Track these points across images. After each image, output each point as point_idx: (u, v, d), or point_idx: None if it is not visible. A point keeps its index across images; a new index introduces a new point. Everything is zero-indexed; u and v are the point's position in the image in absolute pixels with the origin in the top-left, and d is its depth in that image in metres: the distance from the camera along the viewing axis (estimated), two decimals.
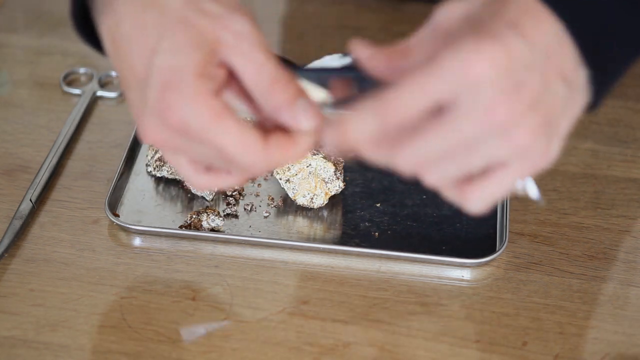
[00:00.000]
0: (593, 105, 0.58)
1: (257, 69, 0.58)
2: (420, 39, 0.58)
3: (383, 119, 0.54)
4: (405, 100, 0.54)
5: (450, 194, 0.58)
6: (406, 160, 0.56)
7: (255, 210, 0.83)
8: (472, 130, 0.53)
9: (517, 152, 0.55)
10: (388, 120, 0.54)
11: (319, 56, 1.05)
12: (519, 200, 0.84)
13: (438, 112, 0.54)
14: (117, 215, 0.82)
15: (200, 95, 0.56)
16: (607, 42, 0.57)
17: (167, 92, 0.57)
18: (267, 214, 0.83)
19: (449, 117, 0.54)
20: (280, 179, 0.83)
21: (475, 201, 0.57)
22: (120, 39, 0.60)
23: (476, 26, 0.54)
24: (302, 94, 0.59)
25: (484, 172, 0.56)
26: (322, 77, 0.63)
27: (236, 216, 0.83)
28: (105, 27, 0.61)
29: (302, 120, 0.58)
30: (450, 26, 0.56)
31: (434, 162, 0.56)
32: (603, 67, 0.57)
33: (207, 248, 0.80)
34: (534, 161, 0.56)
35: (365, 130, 0.55)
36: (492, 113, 0.53)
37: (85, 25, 0.65)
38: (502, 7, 0.55)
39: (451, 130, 0.54)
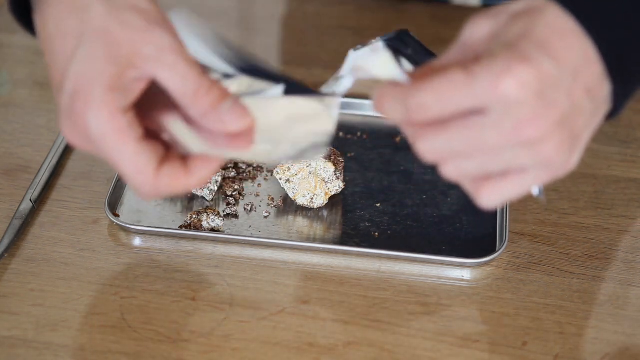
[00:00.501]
0: (613, 114, 0.60)
1: (181, 79, 0.58)
2: (450, 58, 0.59)
3: (408, 112, 0.55)
4: (432, 101, 0.55)
5: (466, 186, 0.59)
6: (427, 149, 0.57)
7: (255, 210, 0.83)
8: (497, 141, 0.55)
9: (540, 162, 0.56)
10: (412, 115, 0.55)
11: (319, 56, 1.05)
12: (519, 200, 0.84)
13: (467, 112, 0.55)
14: (117, 215, 0.82)
15: (105, 110, 0.57)
16: (632, 55, 0.58)
17: (75, 100, 0.57)
18: (267, 214, 0.83)
19: (476, 123, 0.55)
20: (280, 179, 0.83)
21: (489, 198, 0.58)
22: (45, 40, 0.60)
23: (507, 44, 0.55)
24: (226, 97, 0.59)
25: (503, 173, 0.57)
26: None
27: (236, 216, 0.83)
28: (37, 24, 0.61)
29: (228, 122, 0.58)
30: (478, 43, 0.57)
31: (454, 158, 0.57)
32: (627, 80, 0.58)
33: (207, 248, 0.80)
34: (555, 171, 0.57)
35: (392, 112, 0.57)
36: (519, 130, 0.54)
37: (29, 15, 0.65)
38: (532, 25, 0.55)
39: (476, 136, 0.55)
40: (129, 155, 0.58)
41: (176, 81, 0.58)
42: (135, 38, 0.57)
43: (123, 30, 0.58)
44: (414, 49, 0.67)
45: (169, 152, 0.61)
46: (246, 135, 0.59)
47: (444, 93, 0.54)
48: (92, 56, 0.57)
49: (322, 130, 0.62)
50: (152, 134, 0.61)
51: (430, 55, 0.67)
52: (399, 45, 0.66)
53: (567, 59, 0.55)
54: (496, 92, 0.53)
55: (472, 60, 0.55)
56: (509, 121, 0.54)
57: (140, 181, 0.59)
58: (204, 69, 0.60)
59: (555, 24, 0.55)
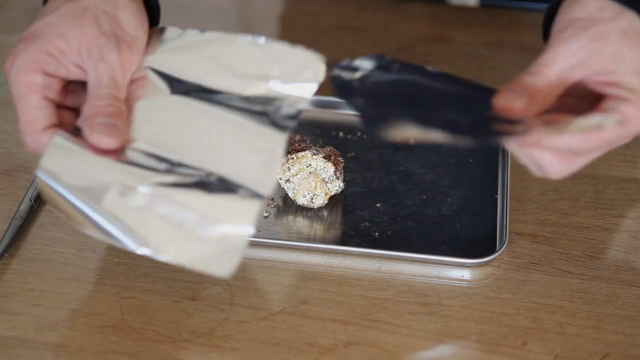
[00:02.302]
0: None
1: (96, 78, 0.68)
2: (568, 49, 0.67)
3: (556, 150, 0.66)
4: (580, 145, 0.66)
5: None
6: (564, 172, 0.69)
7: None
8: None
9: None
10: (560, 153, 0.67)
11: None
12: (519, 201, 0.84)
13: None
14: None
15: (31, 63, 0.68)
16: None
17: (24, 40, 0.69)
18: (267, 214, 0.83)
19: (611, 144, 0.68)
20: (280, 179, 0.83)
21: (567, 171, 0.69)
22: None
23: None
24: (109, 113, 0.67)
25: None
26: None
27: None
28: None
29: (93, 136, 0.66)
30: (587, 20, 0.67)
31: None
32: None
33: None
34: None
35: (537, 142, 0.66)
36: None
37: None
38: None
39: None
40: (29, 105, 0.68)
41: (91, 77, 0.68)
42: (92, 33, 0.69)
43: (91, 23, 0.69)
44: (400, 67, 0.69)
45: (67, 125, 0.69)
46: (109, 153, 0.67)
47: (596, 141, 0.66)
48: (58, 23, 0.69)
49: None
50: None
51: (415, 67, 0.69)
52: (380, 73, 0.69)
53: None
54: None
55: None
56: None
57: (27, 131, 0.68)
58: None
59: None
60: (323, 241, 0.81)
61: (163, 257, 0.65)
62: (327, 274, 0.78)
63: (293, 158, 0.82)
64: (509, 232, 0.80)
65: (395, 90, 0.68)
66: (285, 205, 0.84)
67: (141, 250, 0.65)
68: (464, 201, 0.84)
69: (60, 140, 0.67)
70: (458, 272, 0.78)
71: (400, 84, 0.69)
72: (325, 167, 0.82)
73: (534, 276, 0.78)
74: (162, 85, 0.71)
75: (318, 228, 0.82)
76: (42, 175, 0.66)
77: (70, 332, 0.73)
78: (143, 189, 0.66)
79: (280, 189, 0.84)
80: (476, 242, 0.81)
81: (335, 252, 0.80)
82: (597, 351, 0.72)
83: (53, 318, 0.74)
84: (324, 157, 0.82)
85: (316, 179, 0.82)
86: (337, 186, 0.83)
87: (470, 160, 0.89)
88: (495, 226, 0.82)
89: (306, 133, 0.92)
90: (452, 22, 1.10)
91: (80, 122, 0.68)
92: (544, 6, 0.96)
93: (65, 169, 0.66)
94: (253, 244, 0.80)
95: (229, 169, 0.67)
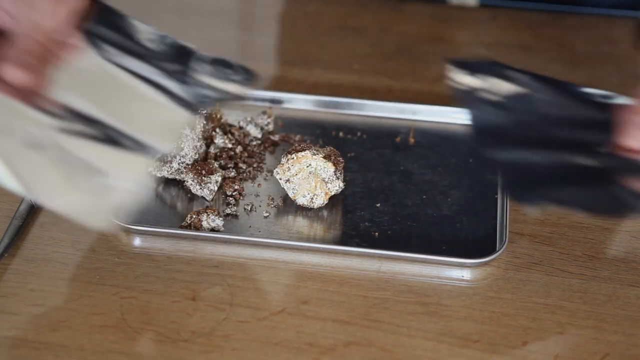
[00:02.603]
0: None
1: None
2: None
3: None
4: None
5: None
6: None
7: (255, 210, 0.83)
8: None
9: None
10: None
11: (318, 56, 1.05)
12: None
13: None
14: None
15: None
16: None
17: None
18: (267, 214, 0.83)
19: None
20: (280, 179, 0.83)
21: None
22: None
23: None
24: (36, 55, 0.67)
25: None
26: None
27: (236, 216, 0.83)
28: None
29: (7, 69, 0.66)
30: None
31: None
32: None
33: (207, 248, 0.80)
34: None
35: None
36: None
37: None
38: None
39: None
40: None
41: (17, 21, 0.67)
42: None
43: None
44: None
45: None
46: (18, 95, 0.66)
47: None
48: None
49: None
50: None
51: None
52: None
53: None
54: None
55: None
56: None
57: None
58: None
59: None
60: (323, 241, 0.81)
61: (49, 204, 0.68)
62: (327, 274, 0.78)
63: (293, 158, 0.82)
64: (509, 232, 0.80)
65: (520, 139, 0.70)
66: (285, 205, 0.84)
67: (29, 195, 0.68)
68: (464, 201, 0.84)
69: None
70: (458, 272, 0.78)
71: (523, 125, 0.70)
72: (325, 167, 0.82)
73: (534, 276, 0.78)
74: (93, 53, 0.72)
75: (318, 228, 0.82)
76: None
77: (70, 332, 0.73)
78: (40, 134, 0.67)
79: (280, 189, 0.84)
80: (476, 242, 0.81)
81: (335, 252, 0.80)
82: (597, 351, 0.72)
83: (53, 318, 0.74)
84: (324, 157, 0.82)
85: (316, 179, 0.82)
86: (337, 186, 0.83)
87: (470, 160, 0.89)
88: (495, 226, 0.82)
89: (306, 133, 0.92)
90: (452, 22, 1.10)
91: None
92: (543, 6, 0.96)
93: None
94: (253, 244, 0.80)
95: (132, 128, 0.70)
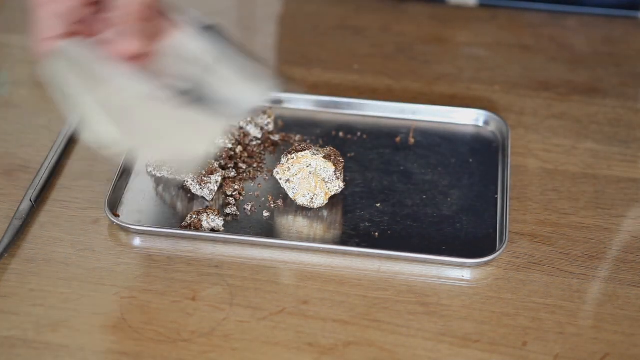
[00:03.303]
0: None
1: None
2: None
3: None
4: None
5: None
6: None
7: (255, 210, 0.83)
8: None
9: None
10: None
11: (318, 56, 1.05)
12: (519, 201, 0.84)
13: None
14: (117, 215, 0.82)
15: None
16: None
17: None
18: (267, 214, 0.83)
19: None
20: (280, 179, 0.83)
21: None
22: None
23: None
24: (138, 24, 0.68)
25: None
26: None
27: (236, 216, 0.83)
28: None
29: (117, 41, 0.68)
30: None
31: None
32: None
33: (207, 248, 0.80)
34: None
35: None
36: None
37: None
38: None
39: None
40: (47, 11, 0.68)
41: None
42: None
43: None
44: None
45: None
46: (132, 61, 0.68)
47: None
48: None
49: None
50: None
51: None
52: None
53: None
54: None
55: None
56: None
57: (37, 37, 0.68)
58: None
59: None
60: (323, 241, 0.81)
61: (137, 153, 0.74)
62: (327, 274, 0.78)
63: (293, 158, 0.82)
64: (509, 232, 0.80)
65: None
66: (285, 205, 0.84)
67: (115, 141, 0.70)
68: (464, 201, 0.84)
69: (70, 46, 0.69)
70: (458, 272, 0.78)
71: None
72: (325, 167, 0.82)
73: (534, 276, 0.78)
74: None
75: (318, 228, 0.82)
76: (49, 66, 0.69)
77: (70, 332, 0.73)
78: (135, 92, 0.69)
79: (280, 189, 0.84)
80: (476, 242, 0.81)
81: (335, 252, 0.80)
82: (597, 351, 0.72)
83: (53, 318, 0.74)
84: (324, 157, 0.82)
85: (316, 179, 0.82)
86: (337, 186, 0.83)
87: (470, 160, 0.89)
88: (495, 226, 0.82)
89: (306, 133, 0.92)
90: (452, 22, 1.10)
91: (102, 29, 0.69)
92: (544, 6, 0.96)
93: (71, 66, 0.69)
94: (253, 244, 0.80)
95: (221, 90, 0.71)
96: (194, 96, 0.70)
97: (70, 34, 0.70)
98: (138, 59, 0.68)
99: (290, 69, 1.02)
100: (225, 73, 0.71)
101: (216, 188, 0.84)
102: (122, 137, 0.70)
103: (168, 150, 0.73)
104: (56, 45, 0.69)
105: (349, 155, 0.89)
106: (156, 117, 0.70)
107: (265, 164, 0.88)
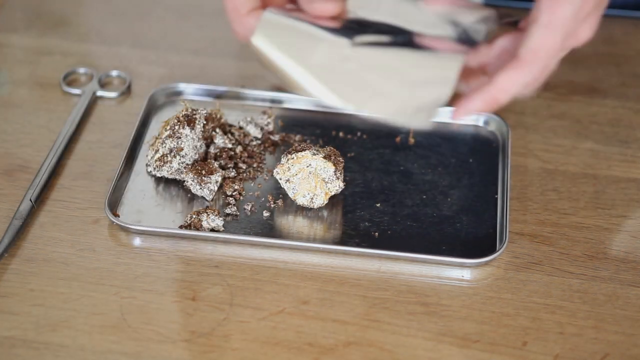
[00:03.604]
0: None
1: None
2: None
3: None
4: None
5: None
6: None
7: (255, 210, 0.83)
8: None
9: None
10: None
11: None
12: (519, 201, 0.84)
13: None
14: (117, 215, 0.82)
15: None
16: None
17: None
18: (267, 214, 0.83)
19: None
20: (280, 179, 0.83)
21: None
22: None
23: None
24: None
25: None
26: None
27: (236, 216, 0.83)
28: None
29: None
30: None
31: None
32: None
33: (207, 248, 0.80)
34: None
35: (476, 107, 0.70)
36: None
37: None
38: None
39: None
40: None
41: None
42: None
43: None
44: None
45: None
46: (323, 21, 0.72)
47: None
48: None
49: (439, 91, 0.71)
50: None
51: None
52: None
53: None
54: None
55: None
56: None
57: (233, 17, 0.73)
58: None
59: None
60: (323, 241, 0.81)
61: (365, 111, 0.73)
62: (327, 274, 0.78)
63: (293, 158, 0.82)
64: (509, 232, 0.80)
65: None
66: (285, 205, 0.84)
67: (347, 106, 0.72)
68: (464, 201, 0.84)
69: (270, 16, 0.72)
70: (458, 272, 0.78)
71: None
72: (325, 167, 0.82)
73: (534, 276, 0.78)
74: None
75: (318, 228, 0.82)
76: (256, 43, 0.72)
77: (70, 332, 0.73)
78: (348, 49, 0.71)
79: (280, 189, 0.84)
80: (476, 242, 0.81)
81: (335, 252, 0.80)
82: (597, 351, 0.72)
83: (53, 318, 0.74)
84: (324, 157, 0.82)
85: (316, 179, 0.82)
86: (337, 186, 0.83)
87: (470, 160, 0.89)
88: (495, 226, 0.82)
89: (306, 133, 0.92)
90: None
91: None
92: None
93: (277, 36, 0.72)
94: (253, 244, 0.80)
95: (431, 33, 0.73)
96: (412, 41, 0.72)
97: (264, 5, 0.74)
98: (336, 18, 0.71)
99: None
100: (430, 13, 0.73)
101: (216, 188, 0.84)
102: (350, 96, 0.71)
103: (401, 101, 0.72)
104: (257, 18, 0.72)
105: (349, 155, 0.89)
106: (383, 67, 0.72)
107: (265, 164, 0.88)
